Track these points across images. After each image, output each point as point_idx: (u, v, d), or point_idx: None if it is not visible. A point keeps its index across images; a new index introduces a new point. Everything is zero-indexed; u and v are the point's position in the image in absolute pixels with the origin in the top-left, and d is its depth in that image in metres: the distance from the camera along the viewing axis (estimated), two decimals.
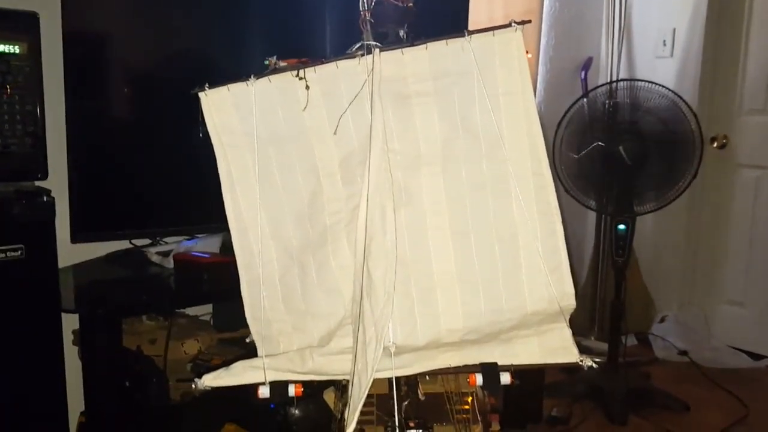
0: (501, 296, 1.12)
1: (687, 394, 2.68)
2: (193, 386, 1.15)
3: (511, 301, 1.12)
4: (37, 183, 1.52)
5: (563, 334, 1.16)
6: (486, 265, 1.12)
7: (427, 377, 1.34)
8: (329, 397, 1.39)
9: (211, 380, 1.15)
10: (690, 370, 2.97)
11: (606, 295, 3.25)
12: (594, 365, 1.16)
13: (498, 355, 1.17)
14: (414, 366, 1.16)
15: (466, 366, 1.18)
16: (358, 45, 1.03)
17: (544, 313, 1.13)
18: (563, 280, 1.12)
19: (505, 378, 1.17)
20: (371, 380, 1.03)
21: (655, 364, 3.05)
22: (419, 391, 1.27)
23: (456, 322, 1.13)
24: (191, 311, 2.13)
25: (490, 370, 1.17)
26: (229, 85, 1.08)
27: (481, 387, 1.20)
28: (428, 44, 1.02)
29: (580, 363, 1.16)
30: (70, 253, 1.80)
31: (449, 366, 1.18)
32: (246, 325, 1.19)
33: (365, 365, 1.04)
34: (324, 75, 1.05)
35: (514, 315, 1.13)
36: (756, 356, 3.11)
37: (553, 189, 1.10)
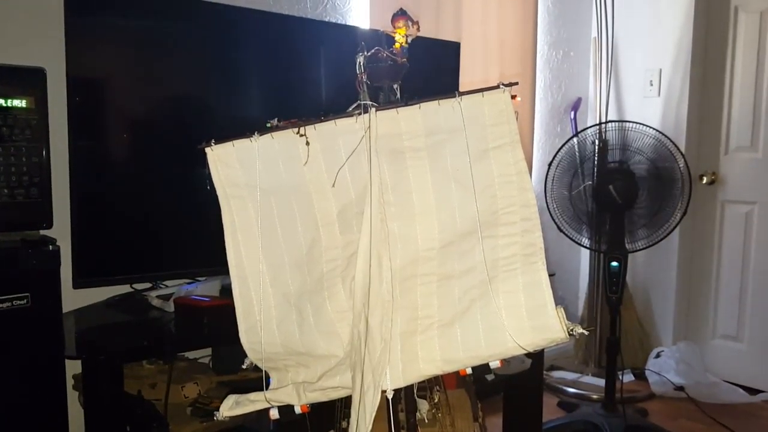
0: (480, 343, 1.14)
1: (684, 430, 2.69)
2: (215, 418, 1.24)
3: (492, 349, 1.14)
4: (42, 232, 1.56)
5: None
6: (465, 309, 1.15)
7: (426, 420, 1.38)
8: None
9: (227, 411, 1.23)
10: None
11: (602, 331, 3.28)
12: (585, 332, 1.13)
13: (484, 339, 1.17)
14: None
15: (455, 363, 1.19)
16: (355, 104, 1.09)
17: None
18: (548, 325, 1.12)
19: (495, 363, 1.17)
20: (370, 426, 1.07)
21: (652, 399, 3.07)
22: None
23: (434, 368, 1.17)
24: (190, 354, 2.14)
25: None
26: (234, 141, 1.14)
27: (470, 375, 1.21)
28: (421, 104, 1.08)
29: (571, 333, 1.13)
30: (70, 298, 1.82)
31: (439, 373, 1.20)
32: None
33: (364, 412, 1.08)
34: (323, 132, 1.11)
35: (495, 358, 1.16)
36: (752, 391, 3.13)
37: (540, 234, 1.13)
